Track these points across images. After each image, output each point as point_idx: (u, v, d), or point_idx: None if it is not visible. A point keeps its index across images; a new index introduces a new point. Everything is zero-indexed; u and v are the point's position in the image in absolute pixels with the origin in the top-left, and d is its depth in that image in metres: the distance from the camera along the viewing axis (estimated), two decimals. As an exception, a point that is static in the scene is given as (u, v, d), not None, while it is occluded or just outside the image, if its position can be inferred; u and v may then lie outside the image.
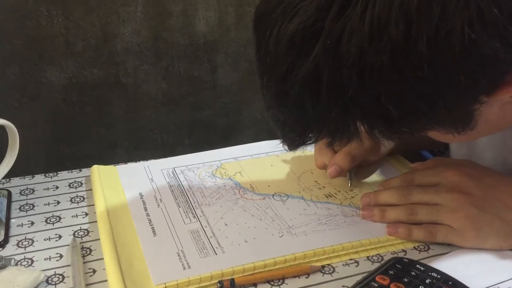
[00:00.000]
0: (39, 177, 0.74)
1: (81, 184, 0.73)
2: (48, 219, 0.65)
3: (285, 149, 0.51)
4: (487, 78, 0.42)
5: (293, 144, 0.50)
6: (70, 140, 0.95)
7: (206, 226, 0.62)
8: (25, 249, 0.59)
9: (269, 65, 0.44)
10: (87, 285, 0.54)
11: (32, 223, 0.64)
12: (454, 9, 0.37)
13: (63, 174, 0.75)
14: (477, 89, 0.43)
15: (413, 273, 0.52)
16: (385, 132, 0.46)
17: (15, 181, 0.73)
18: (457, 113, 0.45)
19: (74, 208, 0.68)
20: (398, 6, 0.38)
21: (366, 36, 0.38)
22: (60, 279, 0.55)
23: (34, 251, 0.59)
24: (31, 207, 0.67)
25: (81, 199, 0.69)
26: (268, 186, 0.71)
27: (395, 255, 0.58)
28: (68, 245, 0.60)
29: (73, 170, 0.76)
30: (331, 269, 0.57)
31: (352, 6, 0.39)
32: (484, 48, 0.39)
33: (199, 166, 0.77)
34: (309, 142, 0.49)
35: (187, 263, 0.56)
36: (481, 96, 0.44)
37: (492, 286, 0.52)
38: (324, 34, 0.40)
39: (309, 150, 0.78)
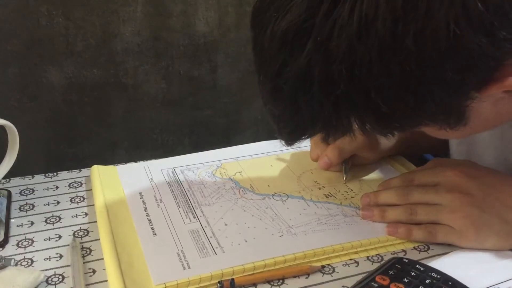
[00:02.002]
0: (39, 177, 0.74)
1: (81, 184, 0.73)
2: (48, 219, 0.65)
3: (282, 144, 0.52)
4: (476, 74, 0.42)
5: (289, 139, 0.51)
6: (70, 140, 0.95)
7: (206, 226, 0.62)
8: (25, 249, 0.59)
9: (264, 61, 0.45)
10: (87, 285, 0.54)
11: (32, 223, 0.64)
12: (439, 6, 0.38)
13: (63, 174, 0.75)
14: (466, 85, 0.43)
15: (413, 273, 0.52)
16: (376, 127, 0.46)
17: (15, 181, 0.73)
18: (447, 109, 0.45)
19: (74, 208, 0.68)
20: (385, 3, 0.38)
21: (355, 33, 0.39)
22: (60, 279, 0.55)
23: (34, 251, 0.59)
24: (31, 207, 0.67)
25: (81, 199, 0.69)
26: (268, 186, 0.71)
27: (395, 255, 0.58)
28: (68, 245, 0.60)
29: (73, 170, 0.76)
30: (331, 269, 0.57)
31: (341, 3, 0.39)
32: (470, 43, 0.39)
33: (199, 166, 0.77)
34: (304, 137, 0.50)
35: (187, 263, 0.56)
36: (471, 92, 0.44)
37: (492, 286, 0.52)
38: (315, 31, 0.41)
39: (309, 149, 0.78)
